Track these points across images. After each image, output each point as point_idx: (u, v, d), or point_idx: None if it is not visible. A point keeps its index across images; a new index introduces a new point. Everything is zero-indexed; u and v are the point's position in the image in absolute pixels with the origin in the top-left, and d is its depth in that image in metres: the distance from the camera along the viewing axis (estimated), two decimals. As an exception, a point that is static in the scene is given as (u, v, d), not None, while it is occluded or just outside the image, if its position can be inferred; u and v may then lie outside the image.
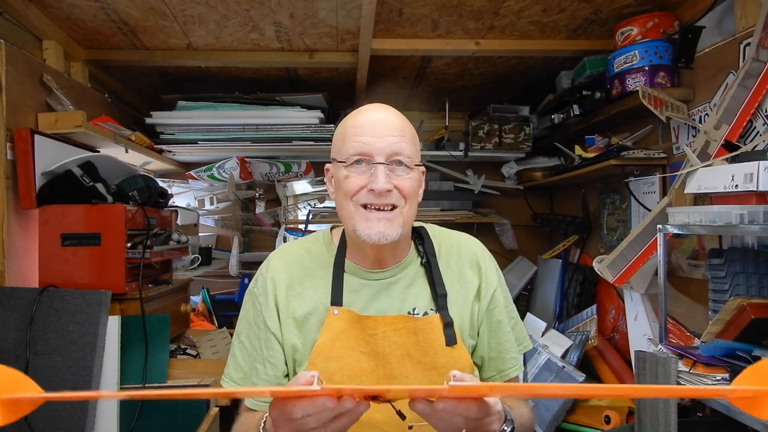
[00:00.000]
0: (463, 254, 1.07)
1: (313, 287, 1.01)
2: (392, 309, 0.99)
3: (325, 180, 1.05)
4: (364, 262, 1.01)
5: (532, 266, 3.07)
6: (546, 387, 0.86)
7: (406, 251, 1.04)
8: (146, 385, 1.70)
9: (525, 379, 2.28)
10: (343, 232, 1.04)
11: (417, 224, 1.09)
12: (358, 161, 0.93)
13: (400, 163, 0.93)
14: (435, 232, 1.10)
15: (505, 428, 0.83)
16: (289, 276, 1.02)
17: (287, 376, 1.01)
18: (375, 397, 0.71)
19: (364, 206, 0.93)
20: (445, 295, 1.00)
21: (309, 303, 0.99)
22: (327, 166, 1.03)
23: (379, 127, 0.94)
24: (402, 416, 0.77)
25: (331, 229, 1.09)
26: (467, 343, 1.02)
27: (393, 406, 0.75)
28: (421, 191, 1.02)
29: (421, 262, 1.04)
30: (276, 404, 0.74)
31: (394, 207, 0.93)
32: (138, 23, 1.98)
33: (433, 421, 0.73)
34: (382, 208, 0.92)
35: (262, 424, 0.86)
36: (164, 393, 0.62)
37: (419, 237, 1.07)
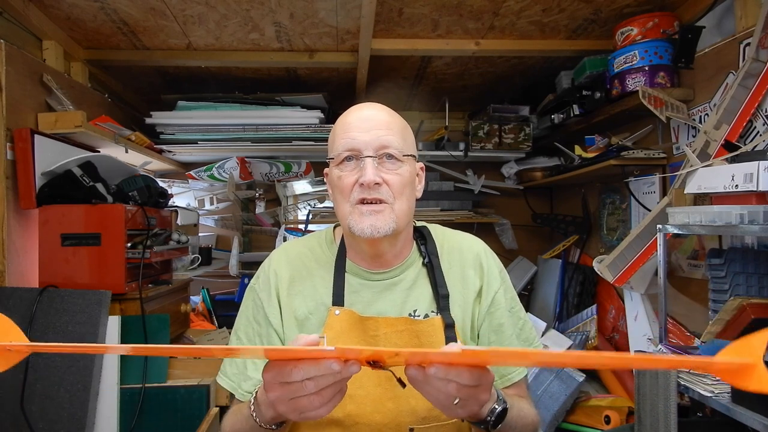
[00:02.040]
0: (465, 255, 1.05)
1: (314, 286, 1.01)
2: (393, 310, 0.99)
3: (325, 182, 1.06)
4: (365, 262, 1.01)
5: (532, 266, 3.07)
6: (556, 355, 0.81)
7: (408, 251, 1.03)
8: (146, 385, 1.70)
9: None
10: None
11: (420, 224, 1.09)
12: (348, 158, 0.93)
13: (389, 156, 0.93)
14: (438, 232, 1.09)
15: (496, 407, 0.82)
16: (291, 273, 1.02)
17: None
18: (375, 363, 0.68)
19: (359, 204, 0.92)
20: (447, 296, 0.99)
21: (310, 302, 0.99)
22: (326, 170, 1.04)
23: (366, 123, 0.94)
24: (402, 384, 0.75)
25: (334, 228, 1.09)
26: (469, 346, 1.01)
27: (393, 373, 0.73)
28: (420, 187, 1.02)
29: (423, 263, 1.03)
30: (272, 365, 0.69)
31: (383, 203, 0.92)
32: (138, 23, 1.98)
33: (426, 390, 0.71)
34: (373, 201, 0.92)
35: (253, 396, 0.83)
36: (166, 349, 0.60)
37: (421, 237, 1.06)
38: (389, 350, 0.63)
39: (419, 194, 1.01)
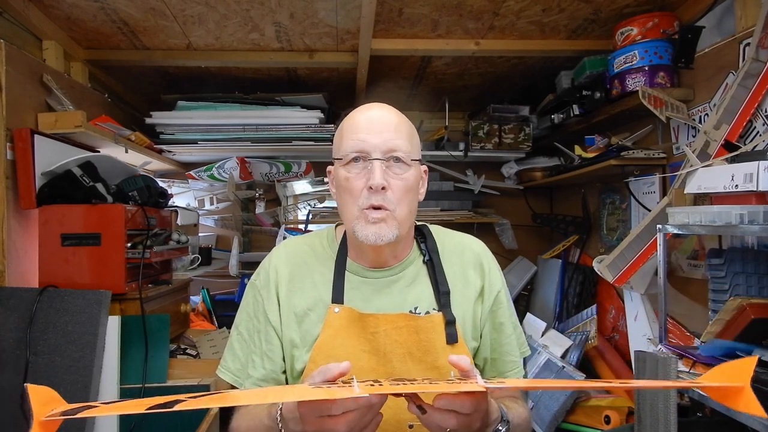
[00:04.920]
0: (466, 254, 1.06)
1: (314, 283, 1.01)
2: (393, 307, 0.99)
3: (327, 181, 1.06)
4: (365, 261, 1.02)
5: (532, 266, 3.07)
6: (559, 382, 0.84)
7: (408, 250, 1.04)
8: (146, 385, 1.70)
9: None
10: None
11: (419, 223, 1.09)
12: (355, 159, 0.93)
13: (397, 159, 0.92)
14: (437, 231, 1.10)
15: (500, 428, 0.83)
16: (291, 270, 1.03)
17: (284, 372, 1.01)
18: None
19: (368, 209, 0.92)
20: (447, 293, 0.99)
21: (309, 299, 1.00)
22: (329, 168, 1.04)
23: (375, 125, 0.94)
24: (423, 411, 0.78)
25: (336, 226, 1.10)
26: (469, 345, 1.01)
27: (407, 399, 0.76)
28: (422, 190, 1.02)
29: (424, 261, 1.04)
30: (307, 401, 0.73)
31: (385, 209, 0.92)
32: (138, 23, 1.98)
33: (426, 421, 0.74)
34: (378, 207, 0.91)
35: (279, 414, 0.82)
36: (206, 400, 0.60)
37: (421, 235, 1.07)
38: (416, 389, 0.66)
39: (422, 197, 1.01)
